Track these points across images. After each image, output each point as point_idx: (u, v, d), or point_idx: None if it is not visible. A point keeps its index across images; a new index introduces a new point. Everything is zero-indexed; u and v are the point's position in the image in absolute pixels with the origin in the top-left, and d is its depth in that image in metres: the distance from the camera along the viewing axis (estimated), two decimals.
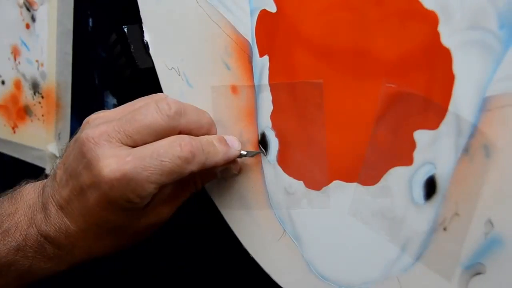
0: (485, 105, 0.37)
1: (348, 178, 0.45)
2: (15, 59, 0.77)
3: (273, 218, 0.50)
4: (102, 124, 0.45)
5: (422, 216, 0.41)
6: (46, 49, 0.72)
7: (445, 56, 0.38)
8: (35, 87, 0.75)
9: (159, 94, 0.49)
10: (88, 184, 0.44)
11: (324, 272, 0.47)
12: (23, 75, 0.77)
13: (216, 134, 0.50)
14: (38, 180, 0.52)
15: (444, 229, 0.40)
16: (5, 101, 0.81)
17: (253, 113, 0.50)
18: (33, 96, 0.76)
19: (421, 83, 0.40)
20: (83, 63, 0.72)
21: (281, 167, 0.49)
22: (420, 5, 0.39)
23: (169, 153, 0.43)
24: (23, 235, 0.47)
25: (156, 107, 0.45)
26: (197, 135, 0.47)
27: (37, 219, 0.47)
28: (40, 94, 0.75)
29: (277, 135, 0.49)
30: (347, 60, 0.43)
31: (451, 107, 0.39)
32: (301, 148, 0.47)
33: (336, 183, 0.46)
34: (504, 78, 0.36)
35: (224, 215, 0.54)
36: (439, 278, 0.41)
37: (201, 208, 0.57)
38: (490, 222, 0.38)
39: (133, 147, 0.44)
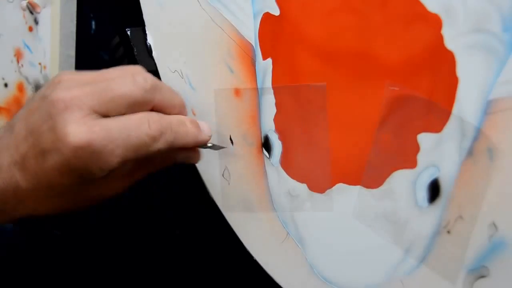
0: (488, 108, 0.37)
1: (351, 181, 0.45)
2: (18, 62, 0.77)
3: (276, 220, 0.50)
4: (75, 87, 0.43)
5: (425, 219, 0.41)
6: (49, 51, 0.72)
7: (449, 59, 0.38)
8: (38, 89, 0.75)
9: (135, 66, 0.47)
10: (50, 146, 0.42)
11: (327, 274, 0.47)
12: (26, 78, 0.77)
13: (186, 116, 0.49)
14: None
15: (448, 232, 0.40)
16: (8, 104, 0.81)
17: (256, 116, 0.50)
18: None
19: (425, 86, 0.40)
20: (86, 66, 0.72)
21: (285, 170, 0.49)
22: (424, 8, 0.39)
23: (138, 128, 0.43)
24: None
25: (133, 79, 0.44)
26: (168, 114, 0.46)
27: None
28: None
29: (280, 138, 0.49)
30: (350, 63, 0.43)
31: (454, 110, 0.39)
32: (304, 151, 0.47)
33: (339, 186, 0.46)
34: (508, 81, 0.36)
35: (227, 218, 0.54)
36: (443, 281, 0.41)
37: (204, 210, 0.57)
38: (494, 225, 0.38)
39: (105, 116, 0.43)
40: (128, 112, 0.44)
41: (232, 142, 0.50)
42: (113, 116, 0.43)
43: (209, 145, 0.48)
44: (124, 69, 0.46)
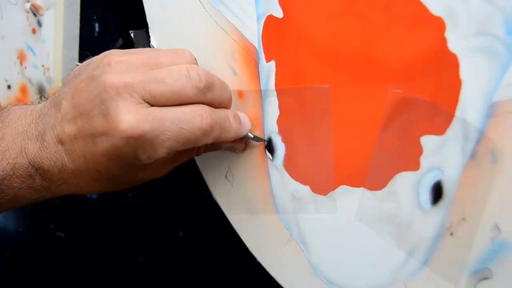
0: (492, 111, 0.37)
1: (354, 183, 0.45)
2: (21, 64, 0.78)
3: (280, 222, 0.50)
4: (127, 72, 0.43)
5: (428, 221, 0.41)
6: (52, 54, 0.73)
7: (452, 61, 0.38)
8: (41, 92, 0.76)
9: (186, 52, 0.47)
10: (101, 132, 0.42)
11: (330, 276, 0.48)
12: (29, 80, 0.77)
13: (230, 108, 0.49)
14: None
15: (451, 234, 0.40)
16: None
17: (260, 118, 0.50)
18: (39, 101, 0.76)
19: (428, 89, 0.40)
20: None
21: (288, 172, 0.49)
22: (427, 11, 0.39)
23: (190, 122, 0.43)
24: (11, 164, 0.45)
25: (188, 75, 0.44)
26: (216, 107, 0.46)
27: (30, 148, 0.45)
28: (46, 99, 0.75)
29: (283, 140, 0.49)
30: (353, 66, 0.43)
31: (458, 113, 0.39)
32: (307, 153, 0.48)
33: (342, 188, 0.46)
34: (511, 84, 0.36)
35: (230, 220, 0.54)
36: (445, 283, 0.41)
37: (207, 212, 0.57)
38: (497, 227, 0.38)
39: (155, 105, 0.43)
40: (178, 105, 0.44)
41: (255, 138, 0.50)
42: (163, 106, 0.43)
43: (251, 136, 0.50)
44: (177, 56, 0.46)
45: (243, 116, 0.49)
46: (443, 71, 0.39)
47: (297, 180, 0.49)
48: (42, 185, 0.46)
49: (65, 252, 0.84)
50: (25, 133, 0.46)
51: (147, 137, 0.42)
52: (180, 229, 0.56)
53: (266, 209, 0.51)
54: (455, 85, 0.39)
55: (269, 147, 0.50)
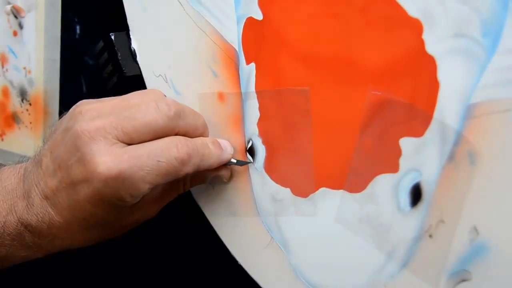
0: (469, 113, 0.37)
1: (334, 185, 0.45)
2: (2, 67, 0.77)
3: (261, 225, 0.50)
4: (98, 118, 0.44)
5: (408, 223, 0.41)
6: (33, 56, 0.72)
7: (430, 63, 0.38)
8: (23, 94, 0.75)
9: (155, 91, 0.48)
10: (81, 179, 0.43)
11: (311, 279, 0.47)
12: (11, 83, 0.77)
13: (208, 136, 0.49)
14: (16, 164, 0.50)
15: (430, 236, 0.40)
16: None
17: (240, 120, 0.50)
18: (21, 104, 0.76)
19: (406, 91, 0.40)
20: (70, 70, 0.72)
21: (268, 174, 0.49)
22: (405, 13, 0.39)
23: (166, 153, 0.43)
24: (1, 223, 0.46)
25: (156, 107, 0.44)
26: (191, 137, 0.46)
27: (18, 206, 0.46)
28: (28, 101, 0.74)
29: (264, 142, 0.49)
30: (332, 68, 0.43)
31: (436, 115, 0.39)
32: (287, 155, 0.47)
33: (322, 190, 0.46)
34: (488, 85, 0.36)
35: (211, 223, 0.54)
36: (425, 285, 0.41)
37: (189, 215, 0.57)
38: (475, 229, 0.38)
39: (130, 144, 0.44)
40: (153, 139, 0.44)
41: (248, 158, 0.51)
42: (138, 143, 0.44)
43: (234, 161, 0.49)
44: (145, 95, 0.47)
45: (224, 142, 0.49)
46: (421, 73, 0.39)
47: (277, 182, 0.49)
48: (33, 243, 0.47)
49: (66, 252, 0.83)
50: (14, 192, 0.47)
51: (125, 175, 0.42)
52: (162, 232, 0.56)
53: (247, 211, 0.51)
54: (433, 87, 0.39)
55: (250, 149, 0.50)
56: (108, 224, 0.47)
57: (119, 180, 0.42)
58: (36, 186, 0.46)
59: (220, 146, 0.48)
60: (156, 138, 0.44)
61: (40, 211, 0.45)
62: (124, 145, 0.43)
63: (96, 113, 0.45)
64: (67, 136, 0.44)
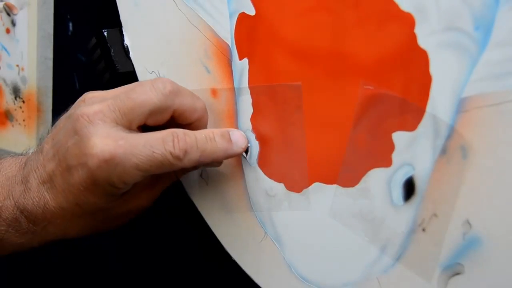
0: (462, 106, 0.37)
1: (328, 180, 0.45)
2: None
3: (254, 220, 0.50)
4: (97, 103, 0.44)
5: (401, 217, 0.41)
6: (26, 53, 0.72)
7: (422, 57, 0.38)
8: (16, 91, 0.75)
9: (163, 79, 0.47)
10: (76, 161, 0.43)
11: (305, 273, 0.48)
12: (4, 80, 0.76)
13: (207, 120, 0.49)
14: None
15: (423, 230, 0.40)
16: None
17: (233, 116, 0.50)
18: (14, 101, 0.76)
19: (399, 85, 0.40)
20: (63, 67, 0.72)
21: (262, 169, 0.49)
22: (397, 7, 0.39)
23: (162, 146, 0.43)
24: None
25: (151, 86, 0.44)
26: (190, 119, 0.47)
27: (16, 191, 0.46)
28: (21, 98, 0.74)
29: (257, 138, 0.49)
30: (325, 62, 0.43)
31: (428, 108, 0.39)
32: (281, 151, 0.47)
33: (316, 185, 0.46)
34: (480, 79, 0.36)
35: (205, 218, 0.54)
36: (418, 279, 0.41)
37: (182, 211, 0.57)
38: (468, 223, 0.38)
39: (129, 128, 0.44)
40: (151, 120, 0.45)
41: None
42: (137, 126, 0.44)
43: (245, 156, 0.49)
44: (144, 81, 0.47)
45: (237, 135, 0.48)
46: (413, 67, 0.39)
47: (271, 177, 0.49)
48: (28, 229, 0.47)
49: (66, 252, 0.83)
50: (13, 178, 0.47)
51: (118, 160, 0.42)
52: (156, 228, 0.56)
53: (240, 207, 0.51)
54: (425, 81, 0.39)
55: None
56: (101, 212, 0.47)
57: (111, 164, 0.42)
58: (35, 171, 0.46)
59: (230, 139, 0.47)
60: (154, 117, 0.44)
61: (36, 195, 0.46)
62: (123, 129, 0.44)
63: (97, 99, 0.45)
64: (68, 122, 0.45)
